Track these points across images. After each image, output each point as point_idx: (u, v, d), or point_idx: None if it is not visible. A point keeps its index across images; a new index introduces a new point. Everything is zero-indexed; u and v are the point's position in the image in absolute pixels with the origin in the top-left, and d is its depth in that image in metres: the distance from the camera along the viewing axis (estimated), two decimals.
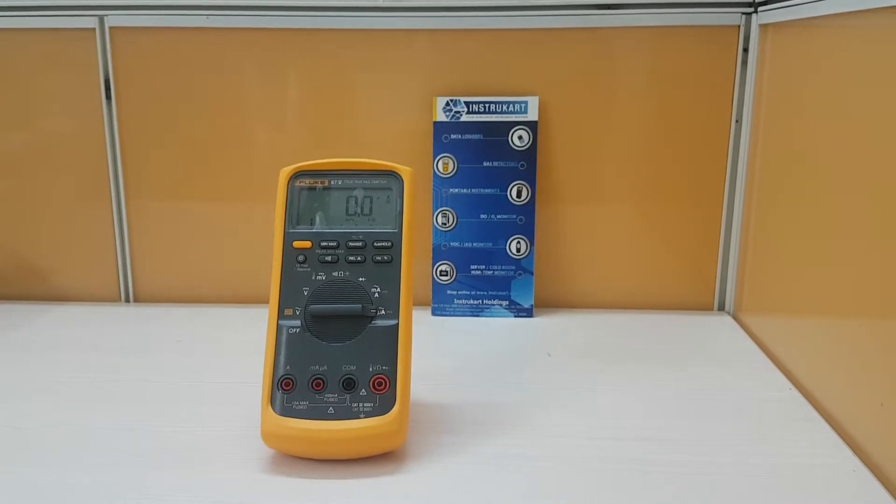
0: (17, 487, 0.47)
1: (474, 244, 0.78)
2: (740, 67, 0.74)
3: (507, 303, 0.78)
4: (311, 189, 0.54)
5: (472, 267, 0.78)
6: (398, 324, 0.51)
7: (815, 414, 0.57)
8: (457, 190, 0.77)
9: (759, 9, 0.72)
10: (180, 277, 0.83)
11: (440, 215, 0.77)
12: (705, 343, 0.71)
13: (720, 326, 0.76)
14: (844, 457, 0.51)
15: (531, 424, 0.55)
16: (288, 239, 0.53)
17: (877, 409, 0.50)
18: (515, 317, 0.78)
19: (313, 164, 0.54)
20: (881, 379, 0.49)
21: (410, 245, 0.52)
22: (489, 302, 0.78)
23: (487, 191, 0.77)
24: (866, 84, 0.53)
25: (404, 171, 0.54)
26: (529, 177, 0.76)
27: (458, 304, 0.78)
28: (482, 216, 0.77)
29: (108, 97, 0.79)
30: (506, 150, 0.76)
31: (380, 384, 0.49)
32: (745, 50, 0.74)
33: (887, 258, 0.49)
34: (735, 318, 0.78)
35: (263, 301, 0.76)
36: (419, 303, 0.80)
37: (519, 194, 0.77)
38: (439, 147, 0.77)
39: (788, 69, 0.66)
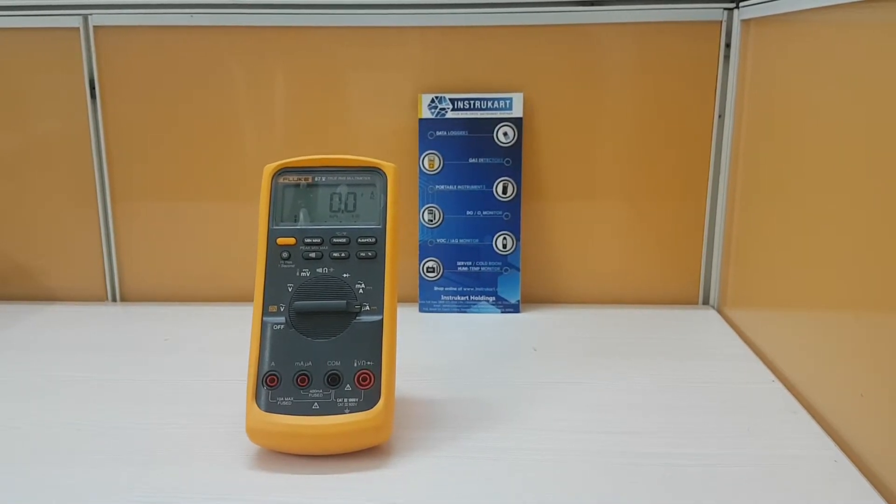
0: (9, 485, 0.47)
1: (461, 240, 0.78)
2: (723, 62, 0.75)
3: (494, 299, 0.78)
4: (295, 186, 0.54)
5: (459, 263, 0.78)
6: (382, 319, 0.51)
7: (798, 406, 0.57)
8: (443, 186, 0.77)
9: (741, 4, 0.73)
10: (167, 276, 0.83)
11: (426, 212, 0.78)
12: (690, 337, 0.72)
13: (705, 320, 0.76)
14: (826, 447, 0.51)
15: (517, 419, 0.56)
16: (272, 236, 0.53)
17: (857, 401, 0.50)
18: (502, 312, 0.78)
19: (297, 161, 0.54)
20: (861, 371, 0.50)
21: (395, 241, 0.53)
22: (476, 298, 0.78)
23: (473, 187, 0.77)
24: (848, 78, 0.53)
25: (388, 167, 0.54)
26: (515, 173, 0.77)
27: (444, 300, 0.79)
28: (468, 213, 0.77)
29: (94, 96, 0.79)
30: (491, 147, 0.77)
31: (364, 379, 0.50)
32: (728, 45, 0.74)
33: (869, 252, 0.49)
34: (719, 311, 0.78)
35: (250, 299, 0.76)
36: (407, 299, 0.80)
37: (504, 190, 0.77)
38: (425, 144, 0.77)
39: (770, 64, 0.67)
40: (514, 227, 0.77)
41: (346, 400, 0.49)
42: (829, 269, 0.55)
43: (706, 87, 0.76)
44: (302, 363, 0.50)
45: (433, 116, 0.77)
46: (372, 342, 0.50)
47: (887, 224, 0.47)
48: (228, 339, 0.71)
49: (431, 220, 0.78)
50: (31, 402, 0.59)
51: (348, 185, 0.54)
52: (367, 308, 0.51)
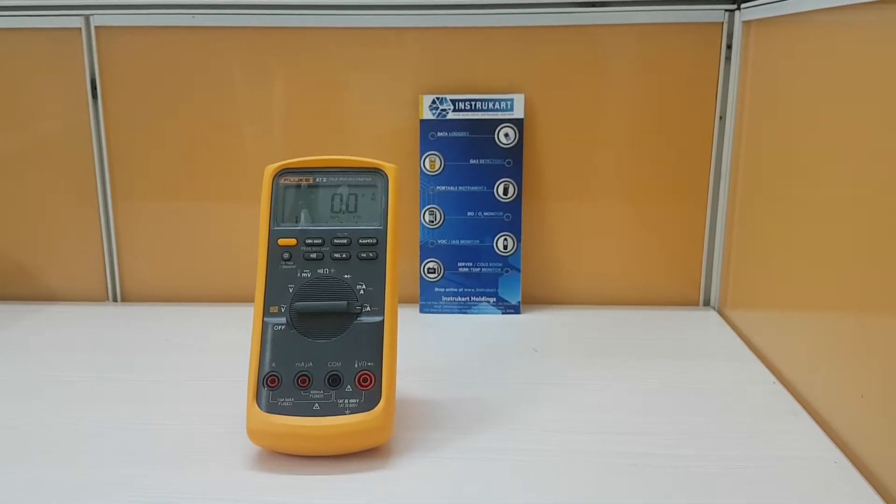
0: (9, 485, 0.47)
1: (461, 241, 0.78)
2: (724, 64, 0.75)
3: (495, 300, 0.78)
4: (297, 187, 0.54)
5: (460, 264, 0.78)
6: (383, 320, 0.51)
7: (799, 407, 0.57)
8: (444, 187, 0.77)
9: (742, 5, 0.73)
10: (167, 276, 0.83)
11: (427, 213, 0.78)
12: (691, 338, 0.72)
13: (705, 321, 0.76)
14: (827, 449, 0.51)
15: (518, 420, 0.56)
16: (273, 237, 0.53)
17: (858, 402, 0.50)
18: (503, 313, 0.78)
19: (298, 162, 0.54)
20: (862, 372, 0.50)
21: (395, 242, 0.53)
22: (476, 299, 0.78)
23: (474, 188, 0.77)
24: (849, 79, 0.53)
25: (389, 168, 0.54)
26: (516, 174, 0.77)
27: (445, 301, 0.79)
28: (469, 213, 0.77)
29: (95, 97, 0.79)
30: (492, 148, 0.77)
31: (365, 380, 0.50)
32: (729, 46, 0.74)
33: (868, 253, 0.49)
34: (720, 312, 0.78)
35: (250, 299, 0.76)
36: (408, 300, 0.80)
37: (505, 191, 0.77)
38: (426, 145, 0.77)
39: (771, 65, 0.67)
40: (514, 228, 0.77)
41: (346, 401, 0.49)
42: (830, 270, 0.55)
43: (707, 89, 0.76)
44: (303, 364, 0.50)
45: (434, 117, 0.77)
46: (373, 343, 0.50)
47: (887, 225, 0.47)
48: (228, 339, 0.71)
49: (432, 221, 0.78)
50: (31, 402, 0.59)
51: (349, 185, 0.54)
52: (368, 309, 0.51)
